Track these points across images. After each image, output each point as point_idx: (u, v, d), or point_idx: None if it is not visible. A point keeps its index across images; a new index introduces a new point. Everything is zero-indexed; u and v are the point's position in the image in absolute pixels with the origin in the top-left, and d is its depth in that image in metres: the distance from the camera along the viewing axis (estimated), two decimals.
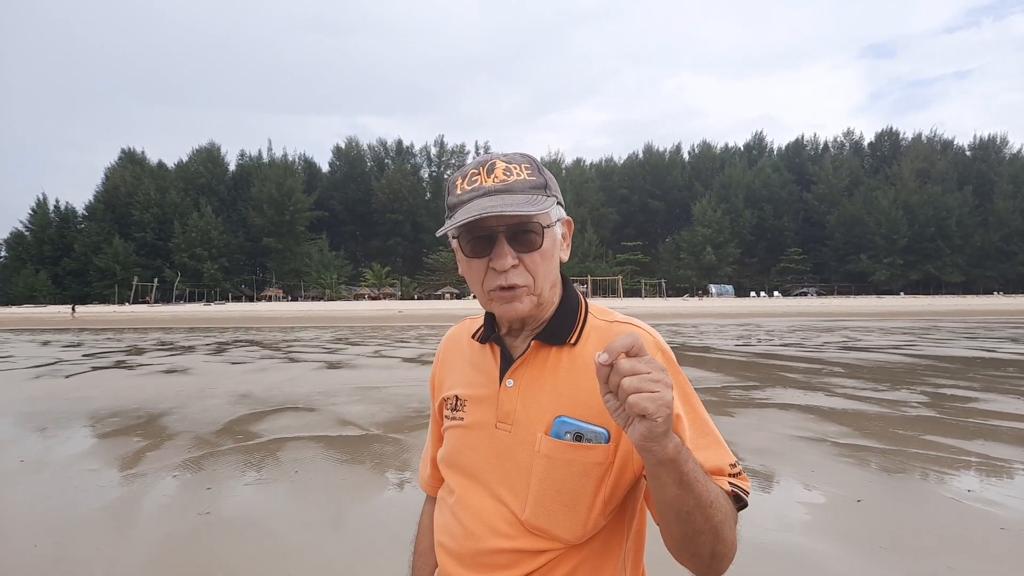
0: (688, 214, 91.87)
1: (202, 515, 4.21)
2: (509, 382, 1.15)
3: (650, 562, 1.20)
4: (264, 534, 3.90)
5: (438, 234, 1.10)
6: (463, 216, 1.04)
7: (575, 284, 1.23)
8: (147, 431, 6.88)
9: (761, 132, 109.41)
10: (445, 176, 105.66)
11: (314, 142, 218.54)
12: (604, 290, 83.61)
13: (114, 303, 76.20)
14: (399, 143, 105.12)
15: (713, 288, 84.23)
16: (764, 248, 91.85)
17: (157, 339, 23.20)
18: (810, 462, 5.39)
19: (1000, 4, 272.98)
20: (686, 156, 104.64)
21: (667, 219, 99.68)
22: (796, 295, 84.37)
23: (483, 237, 1.08)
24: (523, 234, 1.07)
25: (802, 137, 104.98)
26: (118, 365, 14.00)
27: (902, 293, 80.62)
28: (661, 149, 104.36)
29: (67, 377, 11.87)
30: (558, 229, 1.15)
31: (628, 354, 0.86)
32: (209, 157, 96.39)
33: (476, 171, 1.11)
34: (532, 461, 1.09)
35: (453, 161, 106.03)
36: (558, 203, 1.14)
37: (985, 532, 3.81)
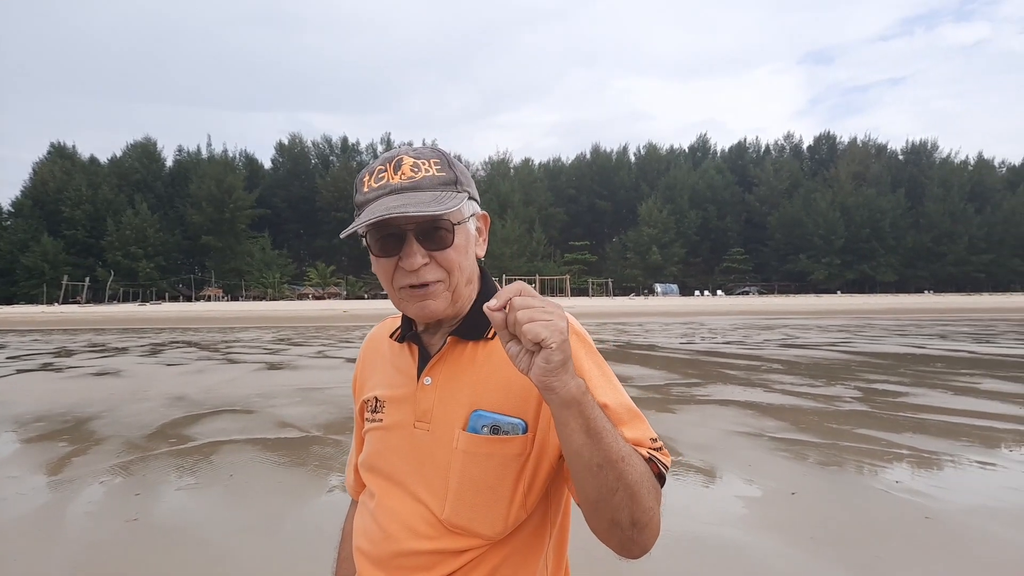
0: (635, 214, 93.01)
1: (129, 522, 4.04)
2: (427, 380, 1.12)
3: (573, 555, 1.18)
4: (195, 540, 3.77)
5: (342, 235, 1.06)
6: (367, 216, 1.02)
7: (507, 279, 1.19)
8: (74, 436, 6.59)
9: (705, 135, 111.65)
10: None
11: (256, 138, 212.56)
12: (552, 289, 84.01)
13: (42, 303, 72.95)
14: (344, 140, 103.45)
15: (659, 287, 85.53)
16: (708, 248, 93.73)
17: (88, 340, 22.28)
18: (748, 457, 5.50)
19: (931, 14, 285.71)
20: (633, 157, 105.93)
21: (614, 219, 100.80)
22: (739, 294, 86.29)
23: (392, 236, 1.06)
24: (433, 232, 1.05)
25: (745, 140, 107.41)
26: (45, 368, 13.39)
27: (839, 292, 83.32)
28: (608, 150, 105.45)
29: None
30: (471, 224, 1.12)
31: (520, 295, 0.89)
32: (145, 152, 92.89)
33: (383, 167, 1.08)
34: (450, 458, 1.06)
35: None
36: (471, 198, 1.11)
37: (911, 522, 3.94)
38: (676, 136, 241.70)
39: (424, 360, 1.14)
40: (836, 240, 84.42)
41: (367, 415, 1.23)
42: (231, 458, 5.63)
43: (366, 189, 1.08)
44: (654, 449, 1.02)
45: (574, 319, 1.13)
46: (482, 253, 1.16)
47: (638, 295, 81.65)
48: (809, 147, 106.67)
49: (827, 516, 4.06)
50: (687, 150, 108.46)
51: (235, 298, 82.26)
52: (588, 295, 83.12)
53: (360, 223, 1.03)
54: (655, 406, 7.78)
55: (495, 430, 1.05)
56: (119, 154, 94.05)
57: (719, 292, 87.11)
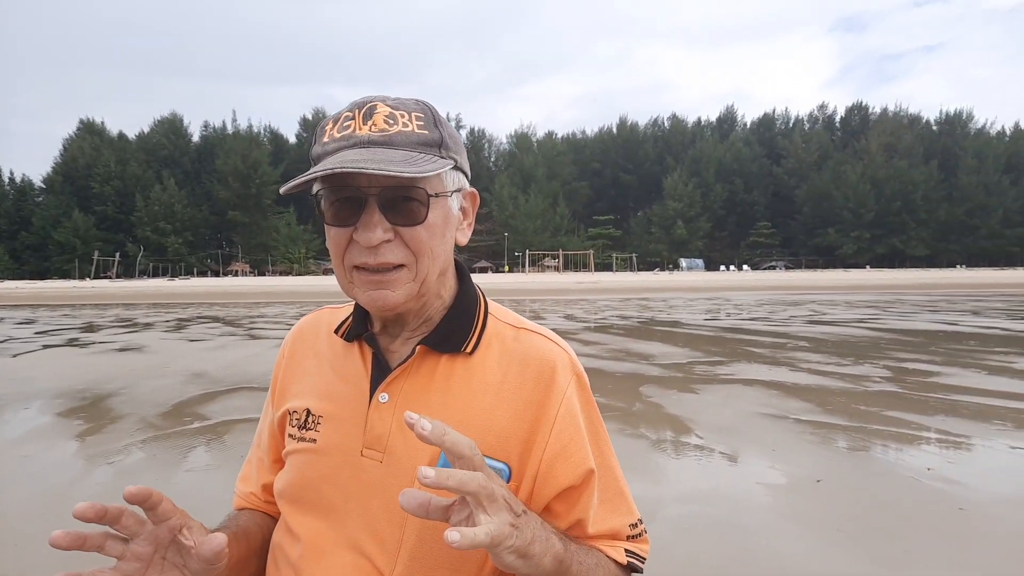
0: (660, 188, 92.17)
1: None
2: (383, 396, 0.90)
3: None
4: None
5: (283, 191, 0.86)
6: (317, 169, 0.80)
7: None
8: (91, 414, 6.59)
9: (732, 106, 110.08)
10: None
11: (280, 113, 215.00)
12: (575, 264, 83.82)
13: (75, 278, 74.41)
14: None
15: (684, 262, 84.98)
16: (734, 222, 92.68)
17: (116, 315, 22.61)
18: (772, 440, 5.31)
19: None
20: (658, 130, 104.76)
21: (639, 193, 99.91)
22: (765, 269, 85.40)
23: (350, 200, 0.84)
24: (402, 202, 0.82)
25: (773, 111, 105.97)
26: (71, 343, 13.55)
27: (868, 267, 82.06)
28: (634, 122, 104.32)
29: (14, 356, 11.44)
30: (455, 202, 0.89)
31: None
32: (171, 128, 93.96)
33: (351, 115, 0.85)
34: None
35: None
36: (457, 168, 0.89)
37: (943, 512, 3.75)
38: (702, 107, 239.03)
39: (381, 370, 0.92)
40: (866, 214, 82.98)
41: (290, 431, 0.99)
42: (243, 438, 5.57)
43: (326, 139, 0.86)
44: (633, 537, 0.90)
45: (573, 354, 0.94)
46: (464, 240, 0.93)
47: (663, 270, 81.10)
48: (841, 118, 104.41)
49: (854, 506, 3.88)
50: (714, 122, 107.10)
51: (261, 273, 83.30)
52: (612, 270, 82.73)
53: (308, 175, 0.81)
54: (676, 386, 7.57)
55: None
56: (146, 130, 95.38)
57: (745, 267, 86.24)
